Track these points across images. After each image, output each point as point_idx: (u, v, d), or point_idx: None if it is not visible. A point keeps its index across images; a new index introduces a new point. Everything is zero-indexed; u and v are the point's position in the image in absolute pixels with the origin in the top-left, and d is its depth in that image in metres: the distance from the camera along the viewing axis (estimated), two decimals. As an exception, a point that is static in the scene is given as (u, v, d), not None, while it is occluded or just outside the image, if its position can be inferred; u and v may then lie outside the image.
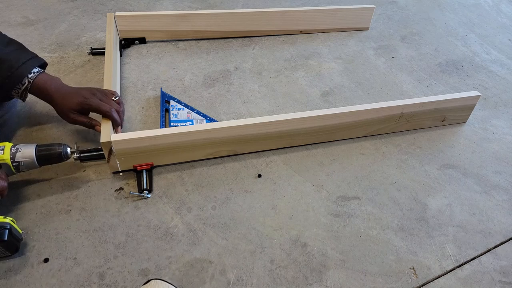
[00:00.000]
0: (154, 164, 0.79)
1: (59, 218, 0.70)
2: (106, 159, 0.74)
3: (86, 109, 0.75)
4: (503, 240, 0.74)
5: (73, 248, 0.66)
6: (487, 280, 0.67)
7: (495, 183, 0.85)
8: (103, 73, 0.89)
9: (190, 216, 0.72)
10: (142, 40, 1.15)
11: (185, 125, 0.87)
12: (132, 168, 0.77)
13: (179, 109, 0.92)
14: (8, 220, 0.61)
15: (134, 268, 0.64)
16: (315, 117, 0.82)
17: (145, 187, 0.75)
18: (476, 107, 1.02)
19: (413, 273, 0.67)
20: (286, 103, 1.00)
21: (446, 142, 0.94)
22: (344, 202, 0.78)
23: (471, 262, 0.70)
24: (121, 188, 0.76)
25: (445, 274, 0.68)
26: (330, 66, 1.16)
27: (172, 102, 0.94)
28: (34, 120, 0.89)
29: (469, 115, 0.99)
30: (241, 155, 0.85)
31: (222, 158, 0.84)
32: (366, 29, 1.35)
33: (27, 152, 0.68)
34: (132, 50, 1.14)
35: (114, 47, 1.00)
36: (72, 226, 0.69)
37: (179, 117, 0.90)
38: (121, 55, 1.10)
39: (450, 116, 0.96)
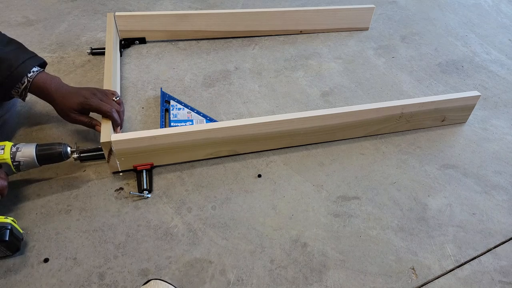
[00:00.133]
0: (154, 164, 0.79)
1: (59, 218, 0.70)
2: (106, 159, 0.74)
3: (87, 109, 0.76)
4: (503, 240, 0.74)
5: (73, 248, 0.66)
6: (487, 280, 0.67)
7: (495, 183, 0.85)
8: (103, 73, 0.89)
9: (190, 216, 0.72)
10: (142, 40, 1.15)
11: (185, 125, 0.87)
12: (132, 168, 0.77)
13: (179, 109, 0.92)
14: (9, 220, 0.61)
15: (134, 268, 0.64)
16: (315, 117, 0.82)
17: (145, 187, 0.75)
18: (476, 107, 1.02)
19: (413, 273, 0.67)
20: (286, 103, 1.00)
21: (446, 142, 0.94)
22: (344, 202, 0.78)
23: (471, 262, 0.70)
24: (121, 188, 0.76)
25: (445, 274, 0.68)
26: (330, 66, 1.16)
27: (172, 102, 0.94)
28: (34, 120, 0.89)
29: (469, 115, 0.99)
30: (241, 155, 0.85)
31: (222, 158, 0.84)
32: (366, 29, 1.35)
33: (27, 151, 0.68)
34: (132, 50, 1.14)
35: (114, 47, 1.00)
36: (72, 226, 0.69)
37: (179, 117, 0.90)
38: (121, 55, 1.10)
39: (450, 116, 0.96)
